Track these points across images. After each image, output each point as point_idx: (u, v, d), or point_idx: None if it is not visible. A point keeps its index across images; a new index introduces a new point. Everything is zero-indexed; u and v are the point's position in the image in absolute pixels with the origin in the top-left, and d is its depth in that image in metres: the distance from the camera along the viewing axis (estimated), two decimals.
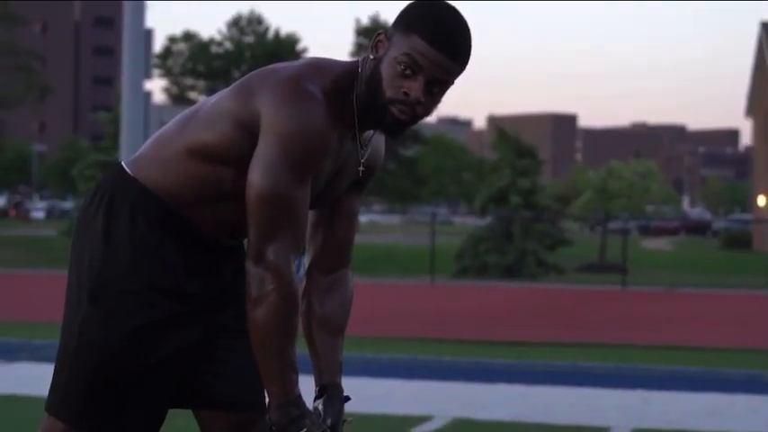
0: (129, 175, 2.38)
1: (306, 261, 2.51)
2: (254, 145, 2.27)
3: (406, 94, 2.25)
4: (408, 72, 2.25)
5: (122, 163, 2.43)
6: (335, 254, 2.48)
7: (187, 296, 2.37)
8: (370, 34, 42.67)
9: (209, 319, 2.42)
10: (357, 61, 2.36)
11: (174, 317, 2.35)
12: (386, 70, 2.27)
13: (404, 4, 2.36)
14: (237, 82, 2.37)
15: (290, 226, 2.25)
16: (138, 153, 2.46)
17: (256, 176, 2.24)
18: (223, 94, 2.37)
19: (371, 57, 2.30)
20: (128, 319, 2.32)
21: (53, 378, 2.40)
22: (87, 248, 2.36)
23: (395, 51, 2.26)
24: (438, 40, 2.24)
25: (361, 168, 2.42)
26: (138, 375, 2.34)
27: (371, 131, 2.43)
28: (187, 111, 2.43)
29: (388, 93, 2.26)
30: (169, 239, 2.35)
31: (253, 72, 2.36)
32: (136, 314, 2.32)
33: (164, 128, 2.47)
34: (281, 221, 2.24)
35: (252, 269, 2.25)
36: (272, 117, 2.24)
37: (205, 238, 2.39)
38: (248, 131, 2.28)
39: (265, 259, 2.24)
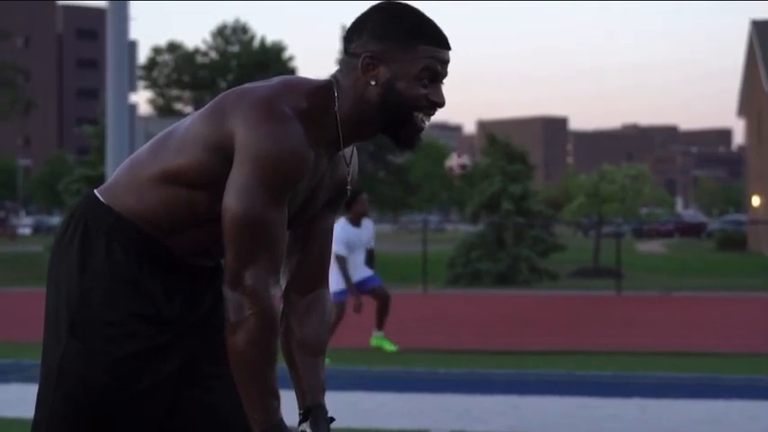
0: (102, 203, 2.36)
1: (282, 283, 2.47)
2: (228, 168, 2.24)
3: (435, 103, 2.29)
4: (428, 81, 2.28)
5: (95, 191, 2.41)
6: (312, 274, 2.46)
7: (169, 323, 2.34)
8: None
9: (194, 346, 2.40)
10: (330, 79, 2.34)
11: (157, 346, 2.33)
12: (407, 89, 2.27)
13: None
14: (210, 104, 2.35)
15: (267, 249, 2.22)
16: (110, 180, 2.45)
17: (232, 200, 2.21)
18: (196, 116, 2.34)
19: (372, 83, 2.27)
20: (110, 350, 2.29)
21: (35, 414, 2.36)
22: (63, 279, 2.33)
23: (410, 68, 2.26)
24: (440, 40, 2.28)
25: (349, 187, 2.42)
26: (122, 407, 2.31)
27: (351, 149, 2.43)
28: (160, 134, 2.41)
29: (420, 109, 2.28)
30: (147, 267, 2.33)
31: (225, 93, 2.35)
32: (118, 345, 2.29)
33: (136, 153, 2.45)
34: (259, 245, 2.21)
35: (229, 294, 2.23)
36: (246, 139, 2.21)
37: (183, 262, 2.37)
38: (222, 154, 2.26)
39: (243, 284, 2.21)
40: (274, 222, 2.22)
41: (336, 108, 2.29)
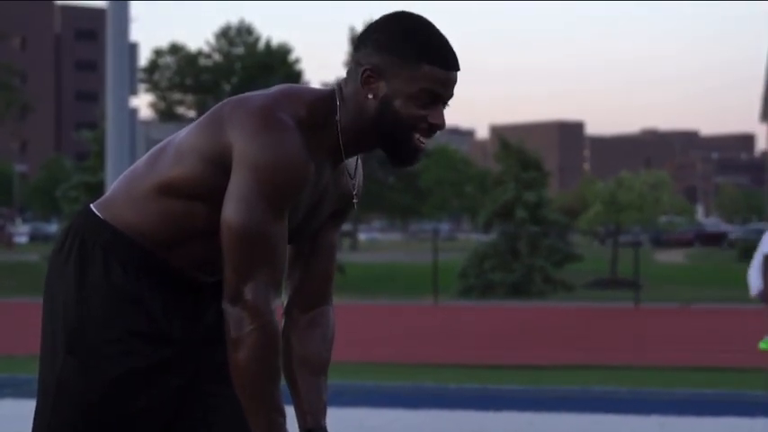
0: (98, 217, 2.36)
1: (284, 299, 2.44)
2: (226, 179, 2.24)
3: (434, 125, 2.25)
4: (428, 102, 2.24)
5: (91, 205, 2.41)
6: (315, 290, 2.43)
7: (168, 340, 2.34)
8: None
9: (195, 364, 2.38)
10: (332, 89, 2.32)
11: (157, 363, 2.32)
12: (404, 108, 2.23)
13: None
14: (207, 113, 2.35)
15: (267, 263, 2.21)
16: (107, 194, 2.44)
17: (230, 212, 2.21)
18: (193, 126, 2.34)
19: (370, 96, 2.24)
20: (108, 368, 2.29)
21: (32, 431, 2.36)
22: (60, 295, 2.33)
23: (408, 87, 2.23)
24: (447, 61, 2.24)
25: (355, 200, 2.40)
26: (121, 425, 2.31)
27: (355, 159, 2.41)
28: (157, 146, 2.41)
29: (418, 130, 2.25)
30: (145, 282, 2.32)
31: (222, 102, 2.33)
32: (116, 363, 2.29)
33: (134, 165, 2.46)
34: (258, 259, 2.21)
35: (230, 310, 2.22)
36: (244, 149, 2.20)
37: (182, 277, 2.36)
38: (220, 165, 2.25)
39: (243, 299, 2.20)
40: (274, 234, 2.21)
41: (338, 117, 2.27)
